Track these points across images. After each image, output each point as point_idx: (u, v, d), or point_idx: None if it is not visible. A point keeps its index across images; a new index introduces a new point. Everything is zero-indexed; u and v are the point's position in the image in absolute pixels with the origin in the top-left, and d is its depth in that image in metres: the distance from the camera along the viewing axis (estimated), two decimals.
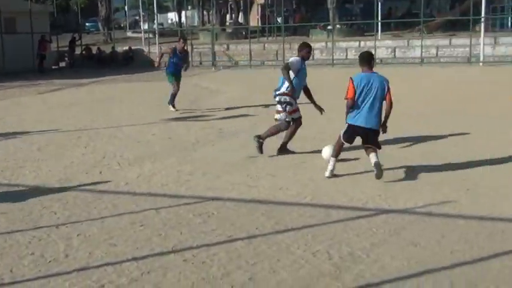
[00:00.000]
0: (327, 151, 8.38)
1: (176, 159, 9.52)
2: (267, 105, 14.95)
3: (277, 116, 9.48)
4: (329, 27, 33.79)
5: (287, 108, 9.31)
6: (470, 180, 7.72)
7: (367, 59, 7.94)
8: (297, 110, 9.41)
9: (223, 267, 5.14)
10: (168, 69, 14.94)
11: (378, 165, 7.69)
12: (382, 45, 28.69)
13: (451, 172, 8.16)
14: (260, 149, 9.37)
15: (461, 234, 5.82)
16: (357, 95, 7.69)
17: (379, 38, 30.33)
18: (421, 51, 28.05)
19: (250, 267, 5.15)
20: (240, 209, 6.82)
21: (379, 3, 30.06)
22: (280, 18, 40.24)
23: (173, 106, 14.71)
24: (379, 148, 7.93)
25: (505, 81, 19.42)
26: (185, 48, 15.39)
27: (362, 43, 29.96)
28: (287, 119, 9.36)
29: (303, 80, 9.50)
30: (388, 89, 7.78)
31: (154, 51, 32.13)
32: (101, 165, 9.16)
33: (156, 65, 15.61)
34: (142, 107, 16.04)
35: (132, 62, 32.67)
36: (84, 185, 8.02)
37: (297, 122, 9.43)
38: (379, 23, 31.19)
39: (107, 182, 8.17)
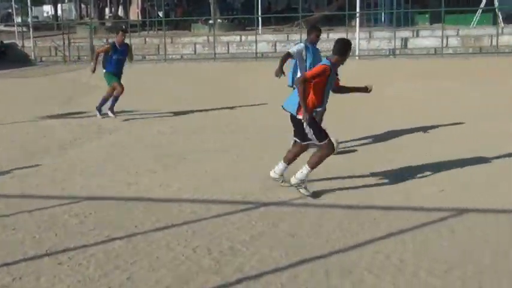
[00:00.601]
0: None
1: (51, 158, 9.16)
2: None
3: None
4: (210, 21, 33.80)
5: None
6: (345, 172, 7.98)
7: (335, 45, 7.58)
8: None
9: (101, 268, 5.01)
10: (108, 69, 12.75)
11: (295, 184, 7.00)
12: (263, 40, 29.04)
13: (326, 164, 8.38)
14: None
15: (337, 223, 6.01)
16: None
17: (259, 32, 30.72)
18: None
19: (129, 266, 5.05)
20: (118, 207, 6.68)
21: None
22: (161, 12, 39.84)
23: (112, 112, 12.89)
24: (318, 143, 7.06)
25: (379, 73, 20.27)
26: (124, 40, 13.07)
27: (243, 37, 30.22)
28: None
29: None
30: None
31: (28, 45, 30.79)
32: None
33: (92, 70, 12.65)
34: (16, 105, 15.28)
35: (5, 57, 31.12)
36: None
37: None
38: (260, 18, 31.62)
39: None
